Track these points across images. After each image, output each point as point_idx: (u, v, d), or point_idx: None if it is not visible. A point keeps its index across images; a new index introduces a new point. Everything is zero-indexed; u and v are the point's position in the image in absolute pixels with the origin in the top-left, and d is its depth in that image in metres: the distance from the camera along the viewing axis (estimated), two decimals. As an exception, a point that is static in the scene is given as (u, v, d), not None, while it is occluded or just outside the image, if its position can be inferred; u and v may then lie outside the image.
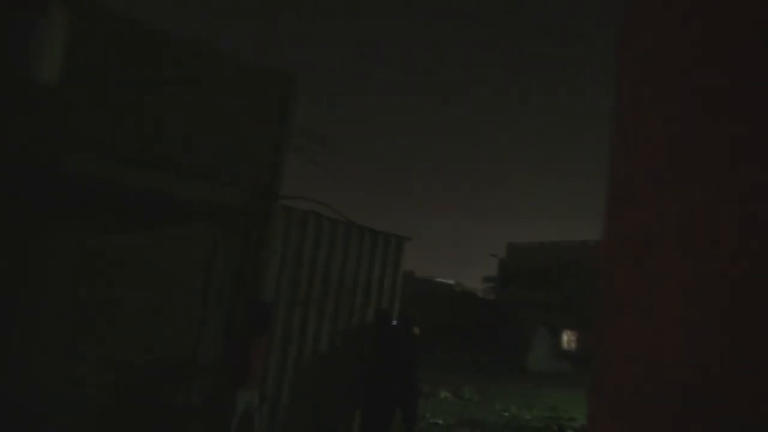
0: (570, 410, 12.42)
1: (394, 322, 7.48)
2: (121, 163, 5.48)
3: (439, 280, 49.33)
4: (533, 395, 15.20)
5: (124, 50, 5.68)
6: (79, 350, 5.48)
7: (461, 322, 28.57)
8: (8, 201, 5.17)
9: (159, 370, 5.92)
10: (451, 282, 50.91)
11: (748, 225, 0.62)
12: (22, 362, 5.25)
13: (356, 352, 7.21)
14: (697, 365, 0.69)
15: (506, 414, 11.97)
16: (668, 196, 0.77)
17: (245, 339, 6.06)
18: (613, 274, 0.93)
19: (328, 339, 7.04)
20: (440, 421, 10.12)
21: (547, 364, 25.99)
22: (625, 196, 0.92)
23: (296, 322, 6.79)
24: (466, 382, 15.49)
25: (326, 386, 6.98)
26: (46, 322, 5.37)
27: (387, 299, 7.59)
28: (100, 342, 5.57)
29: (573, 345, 29.86)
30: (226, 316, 6.24)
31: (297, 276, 6.81)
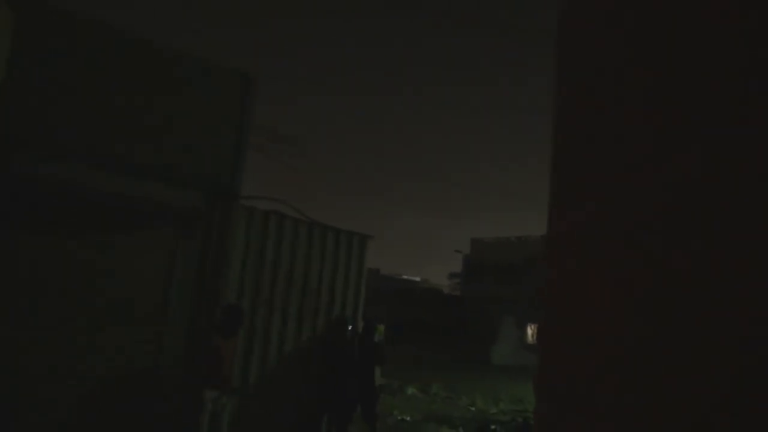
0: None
1: (350, 327, 7.49)
2: (75, 163, 5.32)
3: (405, 277, 49.60)
4: (499, 389, 15.38)
5: (73, 48, 5.51)
6: (35, 360, 5.30)
7: (428, 319, 28.74)
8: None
9: (122, 375, 5.78)
10: (417, 279, 51.23)
11: (660, 223, 0.64)
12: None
13: (321, 351, 7.17)
14: (634, 351, 0.70)
15: (473, 408, 12.09)
16: (601, 195, 0.79)
17: (216, 339, 6.00)
18: (556, 268, 0.94)
19: (292, 339, 6.99)
20: (408, 418, 10.16)
21: (512, 357, 26.35)
22: (565, 195, 0.93)
23: (260, 323, 6.72)
24: (433, 377, 15.59)
25: (292, 386, 6.93)
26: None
27: (351, 298, 7.56)
28: (56, 351, 5.40)
29: (538, 338, 30.27)
30: (189, 317, 6.13)
31: (260, 276, 6.74)
